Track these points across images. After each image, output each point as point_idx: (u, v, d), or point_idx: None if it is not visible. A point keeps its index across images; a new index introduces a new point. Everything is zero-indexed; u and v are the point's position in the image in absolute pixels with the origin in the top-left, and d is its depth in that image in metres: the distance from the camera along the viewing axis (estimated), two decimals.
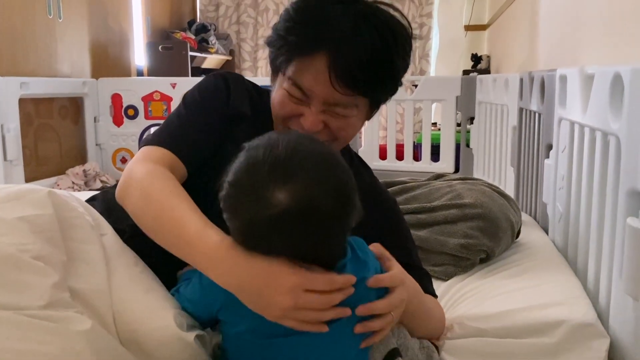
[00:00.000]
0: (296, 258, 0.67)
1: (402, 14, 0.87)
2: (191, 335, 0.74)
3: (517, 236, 1.37)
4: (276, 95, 0.88)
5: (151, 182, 0.80)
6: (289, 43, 0.83)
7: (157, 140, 0.88)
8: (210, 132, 0.90)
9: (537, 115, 1.61)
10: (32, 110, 2.73)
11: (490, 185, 1.41)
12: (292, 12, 0.84)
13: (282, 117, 0.88)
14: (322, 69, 0.81)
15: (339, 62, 0.80)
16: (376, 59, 0.82)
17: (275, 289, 0.65)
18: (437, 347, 0.91)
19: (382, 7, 0.86)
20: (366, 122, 0.97)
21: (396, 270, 0.77)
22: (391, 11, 0.86)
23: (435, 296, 0.97)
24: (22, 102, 2.54)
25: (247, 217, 0.65)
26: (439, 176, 1.57)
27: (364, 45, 0.80)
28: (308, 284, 0.65)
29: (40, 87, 2.65)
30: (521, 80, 1.84)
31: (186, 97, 0.94)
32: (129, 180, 0.83)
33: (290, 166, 0.64)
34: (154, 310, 0.75)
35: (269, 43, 0.88)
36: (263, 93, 0.97)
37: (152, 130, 3.12)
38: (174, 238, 0.74)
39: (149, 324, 0.73)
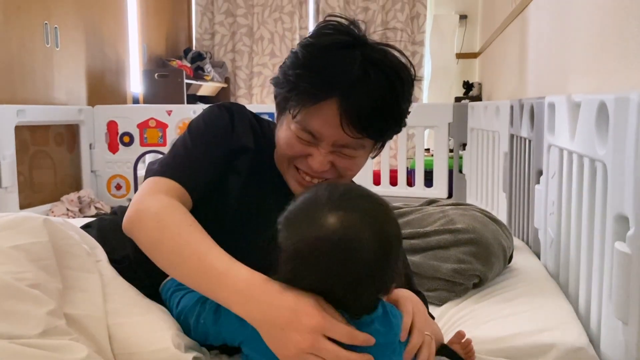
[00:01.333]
0: (326, 297, 0.68)
1: (405, 56, 0.89)
2: (189, 356, 0.74)
3: (510, 261, 1.38)
4: (283, 136, 0.89)
5: (167, 214, 0.79)
6: (299, 89, 0.84)
7: (164, 171, 0.87)
8: (215, 165, 0.90)
9: (527, 141, 1.63)
10: (28, 137, 2.74)
11: (482, 211, 1.43)
12: (302, 57, 0.84)
13: (289, 157, 0.89)
14: (333, 113, 0.82)
15: (349, 108, 0.82)
16: (385, 104, 0.84)
17: (297, 327, 0.66)
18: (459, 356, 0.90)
19: (388, 49, 0.87)
20: None
21: (406, 305, 0.78)
22: (396, 54, 0.87)
23: (432, 318, 0.98)
24: (18, 129, 2.56)
25: (298, 236, 0.67)
26: (431, 202, 1.59)
27: (374, 91, 0.82)
28: (330, 329, 0.66)
29: (36, 114, 2.67)
30: (511, 107, 1.87)
31: (191, 127, 0.93)
32: (140, 212, 0.81)
33: (347, 200, 0.69)
34: (151, 332, 0.75)
35: (276, 84, 0.88)
36: (263, 123, 0.98)
37: (148, 157, 3.14)
38: (200, 272, 0.73)
39: (147, 347, 0.74)
